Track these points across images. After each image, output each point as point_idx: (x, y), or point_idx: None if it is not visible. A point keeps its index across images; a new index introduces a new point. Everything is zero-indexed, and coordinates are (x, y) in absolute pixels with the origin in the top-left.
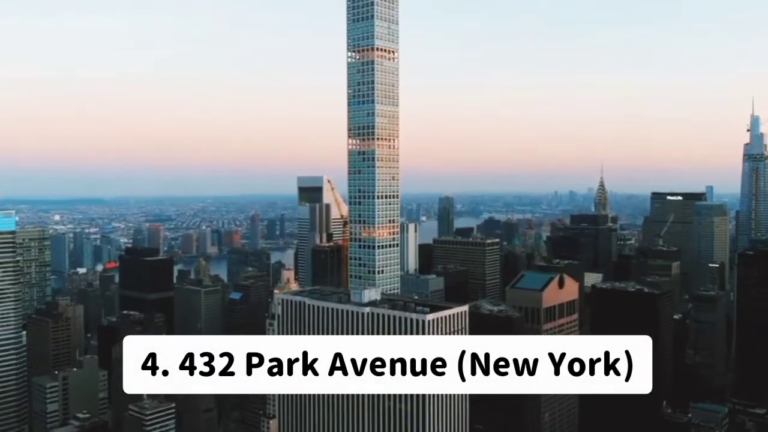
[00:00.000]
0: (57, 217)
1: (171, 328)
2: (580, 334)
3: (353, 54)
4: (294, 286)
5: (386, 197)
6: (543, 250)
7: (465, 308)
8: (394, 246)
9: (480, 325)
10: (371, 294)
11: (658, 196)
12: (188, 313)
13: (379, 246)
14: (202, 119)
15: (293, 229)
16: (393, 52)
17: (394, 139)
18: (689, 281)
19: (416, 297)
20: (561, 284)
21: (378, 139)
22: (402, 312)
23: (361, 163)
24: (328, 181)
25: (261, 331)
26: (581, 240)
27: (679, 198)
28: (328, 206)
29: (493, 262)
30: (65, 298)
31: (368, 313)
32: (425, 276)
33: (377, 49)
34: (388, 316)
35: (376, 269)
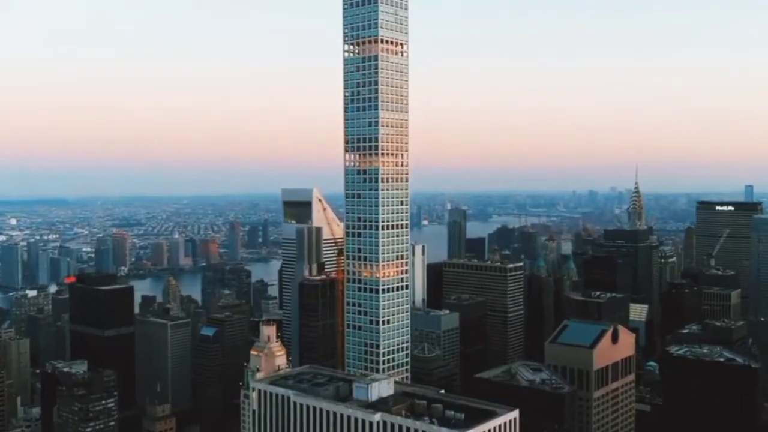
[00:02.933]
0: (13, 221)
1: (129, 374)
2: (638, 397)
3: (351, 47)
4: (276, 346)
5: (393, 227)
6: (573, 273)
7: (514, 415)
8: (402, 289)
9: (521, 401)
10: (381, 389)
11: (705, 206)
12: (152, 352)
13: (384, 289)
14: (178, 111)
15: (277, 235)
16: (401, 44)
17: (402, 154)
18: (746, 309)
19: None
20: (615, 338)
21: (383, 154)
22: (428, 426)
23: (361, 185)
24: (320, 200)
25: (237, 377)
26: (618, 261)
27: (731, 208)
28: (319, 230)
29: (516, 291)
30: (9, 330)
31: (379, 423)
32: (436, 312)
33: (382, 41)
34: (409, 430)
35: (381, 319)
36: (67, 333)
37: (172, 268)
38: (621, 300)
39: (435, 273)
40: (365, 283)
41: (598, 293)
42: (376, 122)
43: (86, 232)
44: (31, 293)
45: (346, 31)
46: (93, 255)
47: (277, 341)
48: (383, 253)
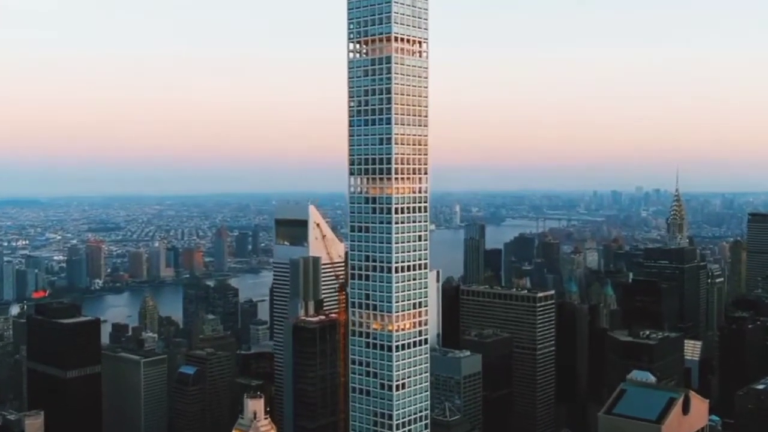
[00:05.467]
0: None
1: (96, 422)
2: None
3: (358, 47)
4: (264, 425)
5: (410, 269)
6: (611, 300)
7: None
8: (421, 344)
9: None
10: None
11: (758, 219)
12: (123, 394)
13: (398, 346)
14: (158, 103)
15: (268, 242)
16: (420, 42)
17: (420, 178)
18: None
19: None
20: (686, 408)
21: (397, 179)
22: None
23: (370, 216)
24: (318, 225)
25: (219, 424)
26: (662, 286)
27: None
28: (316, 261)
29: (547, 324)
30: None
31: None
32: (454, 353)
33: (396, 39)
34: None
35: (394, 383)
36: (25, 373)
37: (151, 280)
38: (675, 340)
39: (449, 298)
40: (375, 338)
41: (647, 333)
42: (389, 139)
43: (59, 238)
44: None
45: (352, 26)
46: (65, 265)
47: (265, 418)
48: (397, 302)
